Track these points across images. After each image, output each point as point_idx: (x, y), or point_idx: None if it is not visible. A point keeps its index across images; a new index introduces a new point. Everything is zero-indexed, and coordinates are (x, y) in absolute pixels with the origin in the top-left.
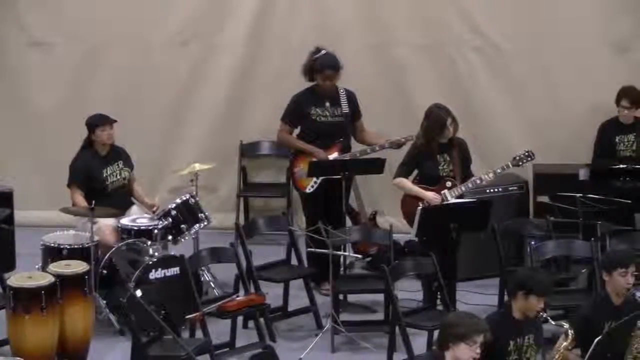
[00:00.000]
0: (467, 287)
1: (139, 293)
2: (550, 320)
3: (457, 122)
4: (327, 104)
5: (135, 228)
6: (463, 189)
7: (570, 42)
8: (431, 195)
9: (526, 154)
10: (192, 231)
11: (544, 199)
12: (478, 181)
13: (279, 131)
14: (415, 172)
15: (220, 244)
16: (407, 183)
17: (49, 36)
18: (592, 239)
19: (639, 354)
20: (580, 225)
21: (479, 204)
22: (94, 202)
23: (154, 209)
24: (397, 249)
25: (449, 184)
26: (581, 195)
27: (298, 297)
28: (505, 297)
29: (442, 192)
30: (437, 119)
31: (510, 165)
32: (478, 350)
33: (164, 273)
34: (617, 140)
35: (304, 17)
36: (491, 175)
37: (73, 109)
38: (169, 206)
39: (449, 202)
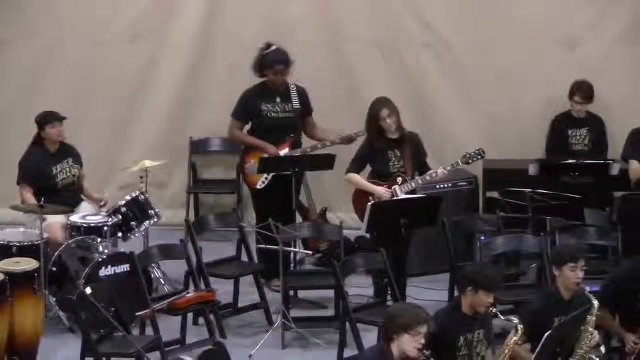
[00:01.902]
0: (418, 282)
1: (89, 290)
2: (500, 316)
3: (397, 114)
4: (278, 100)
5: (85, 225)
6: (414, 185)
7: (521, 37)
8: (382, 191)
9: (477, 152)
10: (142, 228)
11: (494, 194)
12: (428, 177)
13: (230, 127)
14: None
15: (170, 240)
16: (358, 179)
17: (1, 34)
18: (542, 234)
19: (589, 349)
20: (530, 220)
21: (428, 199)
22: (43, 199)
23: (102, 203)
24: (347, 245)
25: (400, 179)
26: (531, 190)
27: (248, 294)
28: (456, 293)
29: (393, 187)
30: (372, 111)
31: (461, 163)
32: (422, 341)
33: (114, 270)
34: (569, 134)
35: (255, 13)
36: (440, 172)
37: (24, 107)
38: (119, 203)
39: (401, 197)
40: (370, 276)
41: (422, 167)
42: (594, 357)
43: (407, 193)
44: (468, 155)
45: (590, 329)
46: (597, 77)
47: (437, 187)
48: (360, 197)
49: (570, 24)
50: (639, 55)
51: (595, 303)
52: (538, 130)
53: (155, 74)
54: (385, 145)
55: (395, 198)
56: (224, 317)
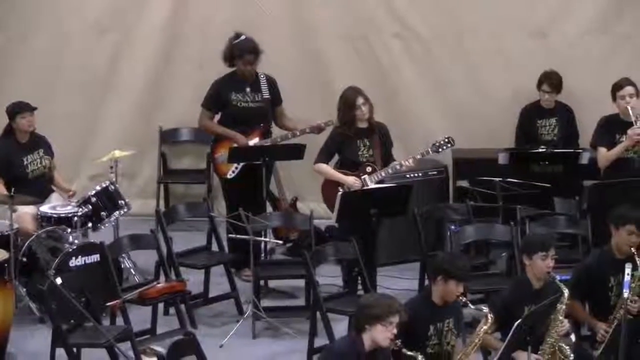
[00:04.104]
0: (388, 271)
1: (59, 281)
2: (470, 305)
3: (370, 102)
4: (248, 90)
5: (55, 216)
6: (383, 174)
7: (490, 27)
8: (351, 180)
9: (446, 140)
10: (112, 218)
11: (464, 183)
12: (398, 167)
13: (200, 117)
14: (337, 157)
15: (140, 230)
16: (327, 168)
17: None
18: (512, 223)
19: (559, 338)
20: (500, 209)
21: (399, 188)
22: (13, 189)
23: (70, 193)
24: (317, 234)
25: (369, 169)
26: (500, 179)
27: (219, 284)
28: (426, 282)
29: (362, 177)
30: (346, 99)
31: (430, 152)
32: (394, 331)
33: (84, 260)
34: (538, 124)
35: (225, 3)
36: (411, 161)
37: None
38: (89, 193)
39: (371, 186)
40: (340, 265)
41: (387, 158)
42: (563, 345)
43: (376, 183)
44: (437, 144)
45: (560, 318)
46: (565, 66)
47: (407, 176)
48: (329, 187)
49: (538, 14)
50: (606, 43)
51: (565, 292)
52: (507, 120)
53: (125, 64)
54: (355, 134)
55: (364, 187)
56: (194, 307)
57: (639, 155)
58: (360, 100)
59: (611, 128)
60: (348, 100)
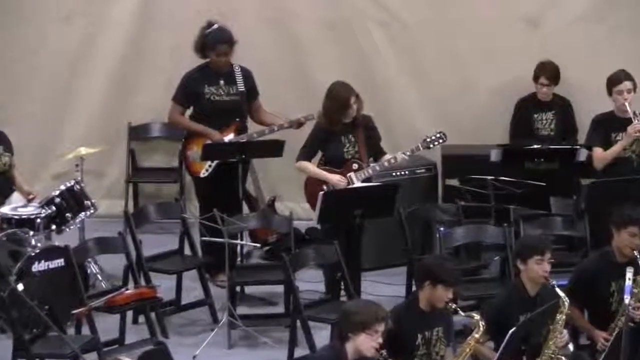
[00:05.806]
0: (373, 276)
1: (20, 287)
2: (460, 312)
3: (361, 100)
4: (222, 82)
5: (16, 217)
6: (370, 171)
7: (478, 16)
8: (336, 179)
9: (438, 135)
10: (78, 220)
11: (454, 182)
12: (386, 164)
13: (170, 112)
14: (320, 154)
15: (108, 233)
16: (310, 166)
17: None
18: (505, 224)
19: (558, 349)
20: (492, 209)
21: (384, 188)
22: None
23: (31, 197)
24: (297, 236)
25: (355, 166)
26: (493, 177)
27: (192, 290)
28: (413, 287)
29: (348, 174)
30: (338, 97)
31: (421, 147)
32: (380, 340)
33: (48, 265)
34: (534, 118)
35: None
36: (400, 157)
37: None
38: (53, 193)
39: (355, 185)
40: (322, 270)
41: (376, 152)
42: (562, 357)
43: (363, 180)
44: (428, 139)
45: (560, 329)
46: (558, 57)
47: (394, 174)
48: (313, 186)
49: (529, 2)
50: (601, 33)
51: (566, 302)
52: (499, 114)
53: (92, 55)
54: (339, 129)
55: (350, 186)
56: (165, 315)
57: (637, 154)
58: (353, 100)
59: (606, 127)
60: (341, 99)
